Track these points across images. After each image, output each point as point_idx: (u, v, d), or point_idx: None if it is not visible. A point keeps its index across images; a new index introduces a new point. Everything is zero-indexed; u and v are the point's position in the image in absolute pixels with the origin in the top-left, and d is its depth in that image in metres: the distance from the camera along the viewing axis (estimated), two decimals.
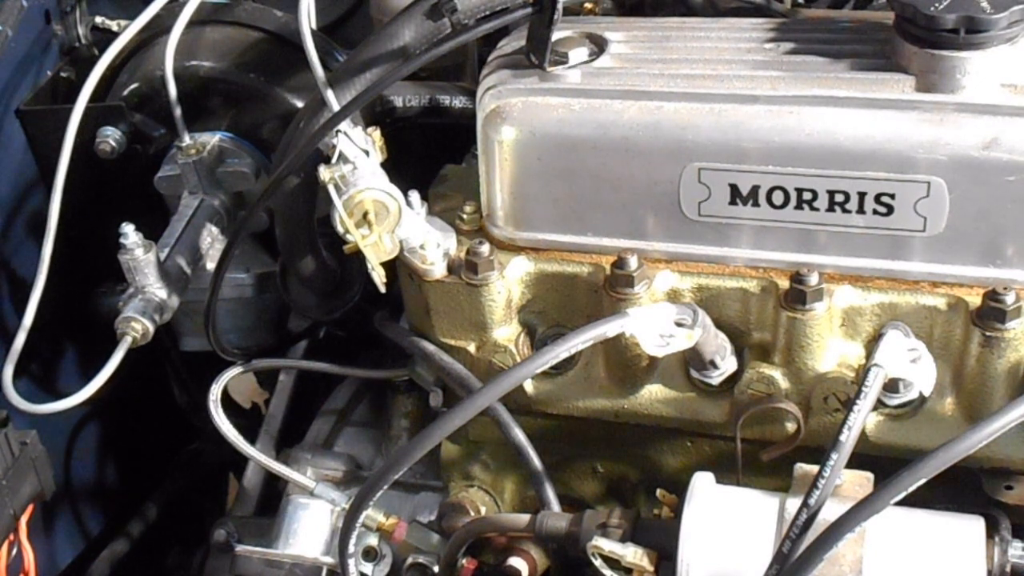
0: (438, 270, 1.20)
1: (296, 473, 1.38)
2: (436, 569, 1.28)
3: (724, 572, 1.02)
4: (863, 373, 1.03)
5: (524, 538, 1.15)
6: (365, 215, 1.13)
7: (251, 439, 1.50)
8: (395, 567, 1.32)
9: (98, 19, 1.73)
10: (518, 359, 1.21)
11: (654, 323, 1.06)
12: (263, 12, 1.62)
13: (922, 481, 0.89)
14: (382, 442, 1.49)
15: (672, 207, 1.13)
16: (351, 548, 1.16)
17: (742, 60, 1.14)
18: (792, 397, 1.13)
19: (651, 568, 1.05)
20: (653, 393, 1.19)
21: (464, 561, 1.21)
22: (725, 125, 1.08)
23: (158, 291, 1.38)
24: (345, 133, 1.15)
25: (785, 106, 1.08)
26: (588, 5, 1.43)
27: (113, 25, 1.72)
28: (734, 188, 1.10)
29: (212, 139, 1.53)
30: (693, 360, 1.14)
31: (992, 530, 1.01)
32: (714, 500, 1.05)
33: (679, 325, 1.08)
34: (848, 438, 0.96)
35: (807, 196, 1.08)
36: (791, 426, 1.15)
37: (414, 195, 1.21)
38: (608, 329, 1.05)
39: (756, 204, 1.10)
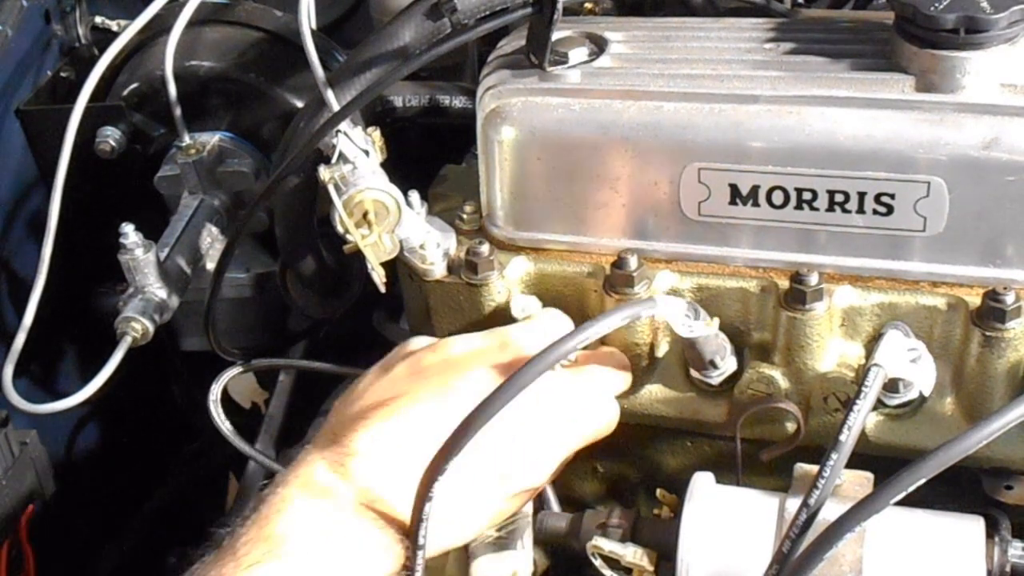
0: (438, 270, 1.20)
1: None
2: None
3: (724, 572, 1.02)
4: (863, 373, 1.03)
5: None
6: (365, 215, 1.13)
7: (251, 439, 1.50)
8: None
9: (98, 19, 1.73)
10: None
11: (677, 309, 1.06)
12: (263, 12, 1.62)
13: (922, 481, 0.88)
14: None
15: (672, 207, 1.12)
16: None
17: (742, 60, 1.14)
18: (792, 397, 1.13)
19: (651, 568, 1.05)
20: (653, 393, 1.19)
21: None
22: (725, 125, 1.08)
23: (158, 291, 1.38)
24: (345, 133, 1.15)
25: (785, 106, 1.07)
26: (588, 5, 1.43)
27: (113, 25, 1.72)
28: (734, 188, 1.09)
29: (212, 139, 1.53)
30: (693, 360, 1.14)
31: (992, 530, 1.01)
32: (714, 500, 1.05)
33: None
34: (848, 438, 0.96)
35: (807, 196, 1.08)
36: (791, 426, 1.14)
37: (414, 195, 1.20)
38: (641, 310, 1.04)
39: (756, 204, 1.09)
